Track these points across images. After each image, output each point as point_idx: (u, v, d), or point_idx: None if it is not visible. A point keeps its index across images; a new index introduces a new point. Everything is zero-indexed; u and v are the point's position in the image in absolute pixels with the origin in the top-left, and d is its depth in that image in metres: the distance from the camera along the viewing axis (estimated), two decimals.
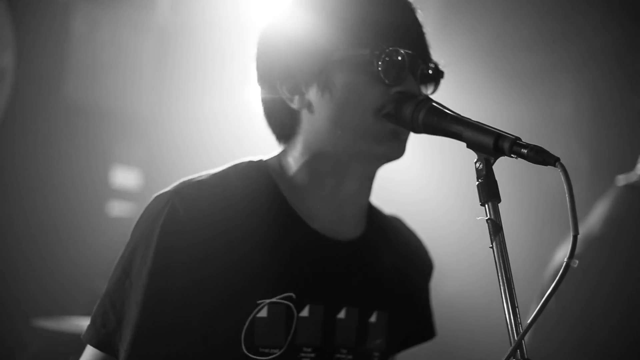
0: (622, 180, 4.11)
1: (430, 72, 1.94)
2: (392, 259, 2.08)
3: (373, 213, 2.10)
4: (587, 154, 6.16)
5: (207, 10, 5.96)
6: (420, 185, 6.40)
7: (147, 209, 1.88)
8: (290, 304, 1.88)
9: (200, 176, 1.92)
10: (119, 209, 6.01)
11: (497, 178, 1.63)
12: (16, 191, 5.46)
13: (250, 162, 1.99)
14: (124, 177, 6.08)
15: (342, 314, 1.95)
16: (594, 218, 3.97)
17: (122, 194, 6.05)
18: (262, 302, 1.85)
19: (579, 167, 6.05)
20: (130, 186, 6.05)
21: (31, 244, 5.43)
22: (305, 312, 1.90)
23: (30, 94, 5.61)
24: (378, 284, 2.03)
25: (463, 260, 5.94)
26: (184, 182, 1.89)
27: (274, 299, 1.86)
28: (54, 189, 5.60)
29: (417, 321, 2.22)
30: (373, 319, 2.01)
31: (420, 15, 1.96)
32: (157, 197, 1.88)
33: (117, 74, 6.03)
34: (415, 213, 6.09)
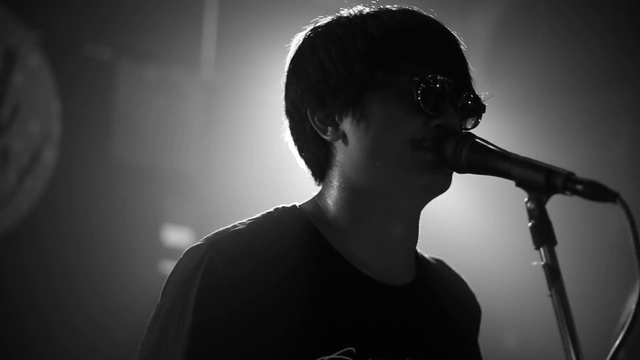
0: None
1: (471, 103, 1.80)
2: (444, 305, 1.92)
3: (418, 257, 1.94)
4: None
5: (251, 65, 5.94)
6: (470, 226, 6.26)
7: (179, 265, 1.74)
8: None
9: (235, 226, 1.77)
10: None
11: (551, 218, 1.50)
12: (68, 253, 5.46)
13: (285, 208, 1.85)
14: (176, 236, 6.03)
15: None
16: None
17: (175, 253, 6.00)
18: None
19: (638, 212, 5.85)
20: (182, 245, 5.99)
21: (83, 305, 5.42)
22: None
23: (78, 156, 5.63)
24: (434, 333, 1.85)
25: (526, 310, 5.74)
26: (218, 234, 1.75)
27: (333, 356, 1.68)
28: (105, 250, 5.59)
29: None
30: None
31: (464, 47, 1.84)
32: (190, 251, 1.74)
33: (164, 133, 6.01)
34: (466, 257, 6.05)
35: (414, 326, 1.82)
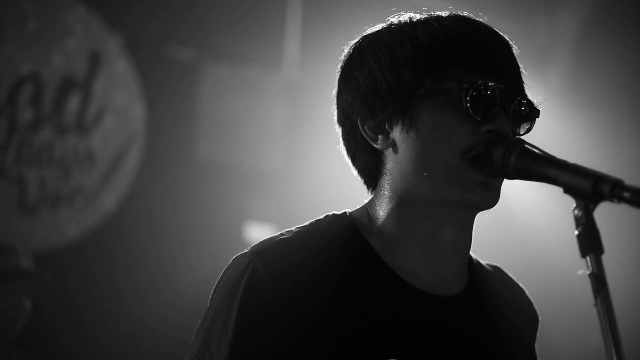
0: None
1: (524, 109, 1.76)
2: (498, 315, 1.89)
3: (472, 264, 1.90)
4: None
5: (334, 63, 5.94)
6: (557, 227, 6.16)
7: (226, 272, 1.74)
8: None
9: (282, 235, 1.77)
10: None
11: (601, 226, 1.47)
12: (153, 250, 5.56)
13: (334, 215, 1.84)
14: (259, 233, 6.08)
15: None
16: None
17: None
18: None
19: None
20: None
21: (168, 301, 5.52)
22: None
23: (162, 155, 5.72)
24: (485, 343, 1.82)
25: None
26: (264, 242, 1.75)
27: None
28: (190, 247, 5.68)
29: None
30: None
31: (516, 49, 1.81)
32: (236, 259, 1.74)
33: (248, 132, 6.08)
34: (549, 258, 5.96)
35: (463, 337, 1.79)
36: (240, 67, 6.05)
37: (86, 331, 5.32)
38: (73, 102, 5.43)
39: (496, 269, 2.00)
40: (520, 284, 2.02)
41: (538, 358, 1.99)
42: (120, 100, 5.61)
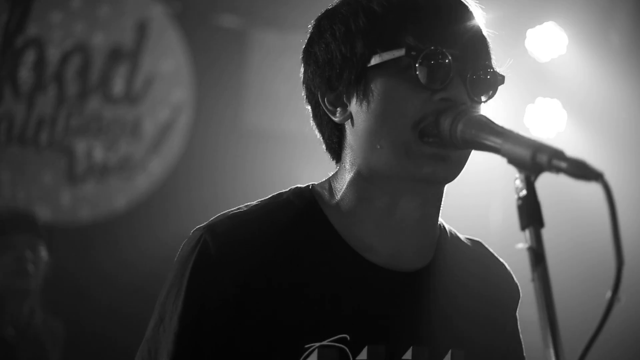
0: None
1: (485, 76, 1.71)
2: (468, 290, 1.83)
3: (443, 238, 1.86)
4: None
5: None
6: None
7: (182, 247, 1.75)
8: (344, 347, 1.68)
9: (239, 208, 1.77)
10: None
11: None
12: (201, 216, 5.58)
13: (296, 189, 1.83)
14: None
15: (408, 355, 1.73)
16: None
17: None
18: (310, 347, 1.66)
19: None
20: None
21: None
22: (363, 355, 1.69)
23: (211, 123, 5.76)
24: (451, 318, 1.79)
25: None
26: (219, 216, 1.76)
27: (324, 342, 1.67)
28: None
29: (502, 356, 1.95)
30: (447, 358, 1.78)
31: (480, 16, 1.74)
32: (193, 232, 1.75)
33: (296, 99, 6.04)
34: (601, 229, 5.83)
35: (423, 313, 1.77)
36: (289, 33, 6.03)
37: (138, 298, 5.39)
38: (121, 73, 5.49)
39: (475, 243, 1.96)
40: (501, 259, 1.97)
41: (519, 327, 1.96)
42: (168, 69, 5.65)
